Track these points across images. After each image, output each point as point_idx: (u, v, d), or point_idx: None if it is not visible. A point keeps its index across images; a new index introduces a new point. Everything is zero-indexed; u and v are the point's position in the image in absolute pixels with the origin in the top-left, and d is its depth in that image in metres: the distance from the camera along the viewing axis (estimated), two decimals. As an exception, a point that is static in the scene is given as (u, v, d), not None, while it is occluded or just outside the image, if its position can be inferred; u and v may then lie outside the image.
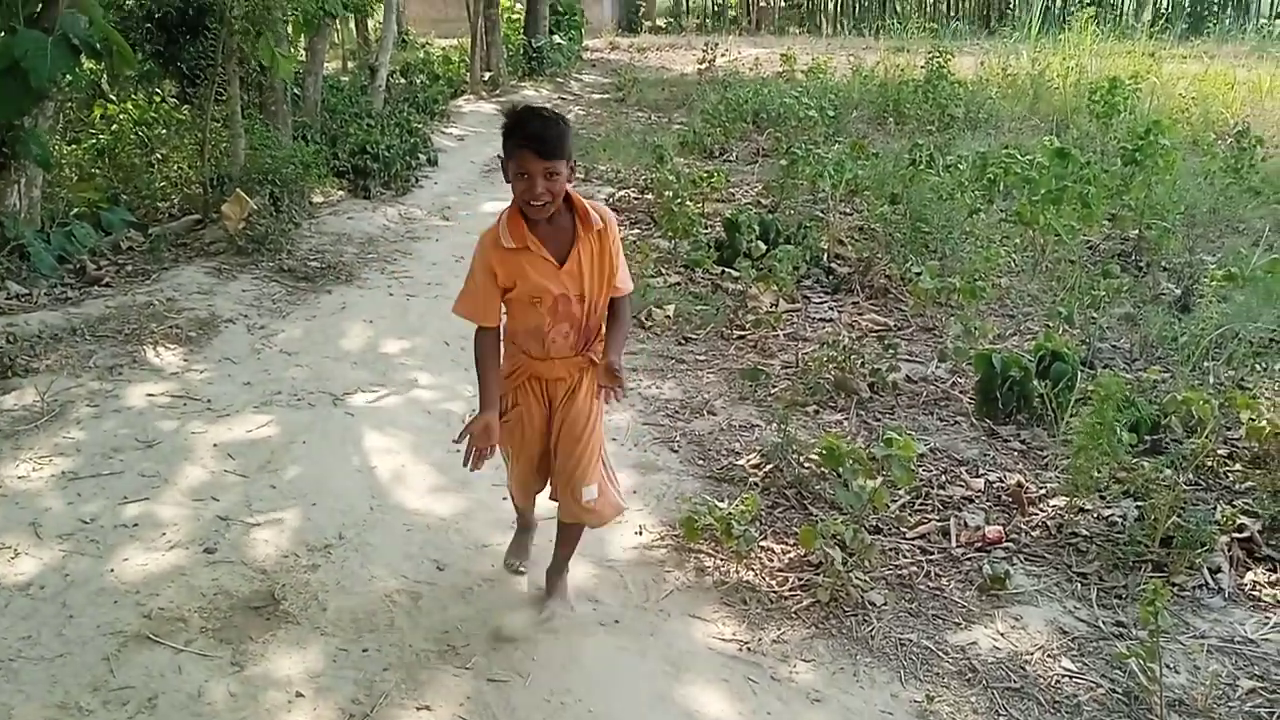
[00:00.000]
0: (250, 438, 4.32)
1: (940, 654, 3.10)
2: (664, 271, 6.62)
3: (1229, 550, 3.56)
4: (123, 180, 7.82)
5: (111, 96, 8.87)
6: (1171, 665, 3.02)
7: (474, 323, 2.87)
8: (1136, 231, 7.46)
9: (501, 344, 2.95)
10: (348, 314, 6.00)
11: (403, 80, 14.15)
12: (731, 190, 9.15)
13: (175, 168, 8.09)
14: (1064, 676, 3.01)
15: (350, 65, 16.25)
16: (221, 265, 6.56)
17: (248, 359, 5.21)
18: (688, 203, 7.49)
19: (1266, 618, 3.29)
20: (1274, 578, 3.48)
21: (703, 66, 17.15)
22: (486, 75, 16.52)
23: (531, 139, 2.63)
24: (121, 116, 8.38)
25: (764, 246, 6.57)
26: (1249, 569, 3.53)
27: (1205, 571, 3.48)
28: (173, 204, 7.79)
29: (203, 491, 3.87)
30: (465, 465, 2.82)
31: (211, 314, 5.72)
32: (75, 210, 6.86)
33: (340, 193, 8.71)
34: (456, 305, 2.90)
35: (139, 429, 4.35)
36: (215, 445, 4.23)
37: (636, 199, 8.98)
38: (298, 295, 6.28)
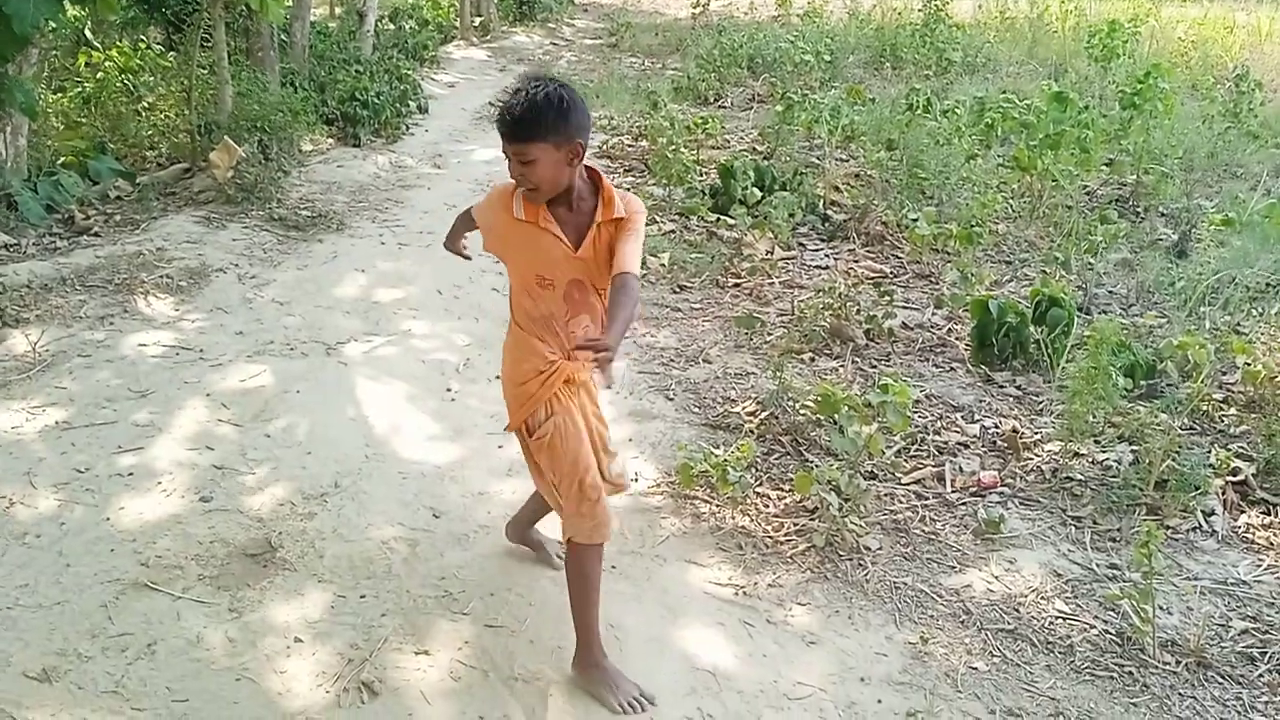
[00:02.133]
0: (244, 387, 4.30)
1: (935, 597, 3.12)
2: (658, 219, 6.57)
3: (1223, 493, 3.58)
4: (109, 129, 7.70)
5: (96, 44, 8.72)
6: (1164, 607, 3.04)
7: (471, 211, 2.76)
8: (1134, 176, 7.41)
9: (510, 350, 2.71)
10: (339, 263, 5.95)
11: (391, 26, 13.90)
12: (726, 137, 9.06)
13: (162, 115, 7.97)
14: (1057, 618, 3.03)
15: (338, 10, 15.93)
16: (211, 214, 6.49)
17: (239, 308, 5.17)
18: (682, 150, 7.42)
19: (1260, 560, 3.31)
20: (1268, 520, 3.50)
21: (697, 11, 16.87)
22: (477, 20, 16.27)
23: (503, 120, 2.39)
24: (106, 64, 8.23)
25: (759, 193, 6.51)
26: (1243, 512, 3.55)
27: (1199, 514, 3.50)
28: (160, 152, 7.68)
29: (197, 441, 3.86)
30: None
31: (202, 263, 5.67)
32: (62, 159, 6.76)
33: (329, 140, 8.60)
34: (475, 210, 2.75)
35: (132, 379, 4.32)
36: (209, 395, 4.21)
37: (630, 146, 8.89)
38: (289, 244, 6.22)
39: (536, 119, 2.35)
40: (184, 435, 3.89)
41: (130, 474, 3.61)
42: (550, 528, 3.15)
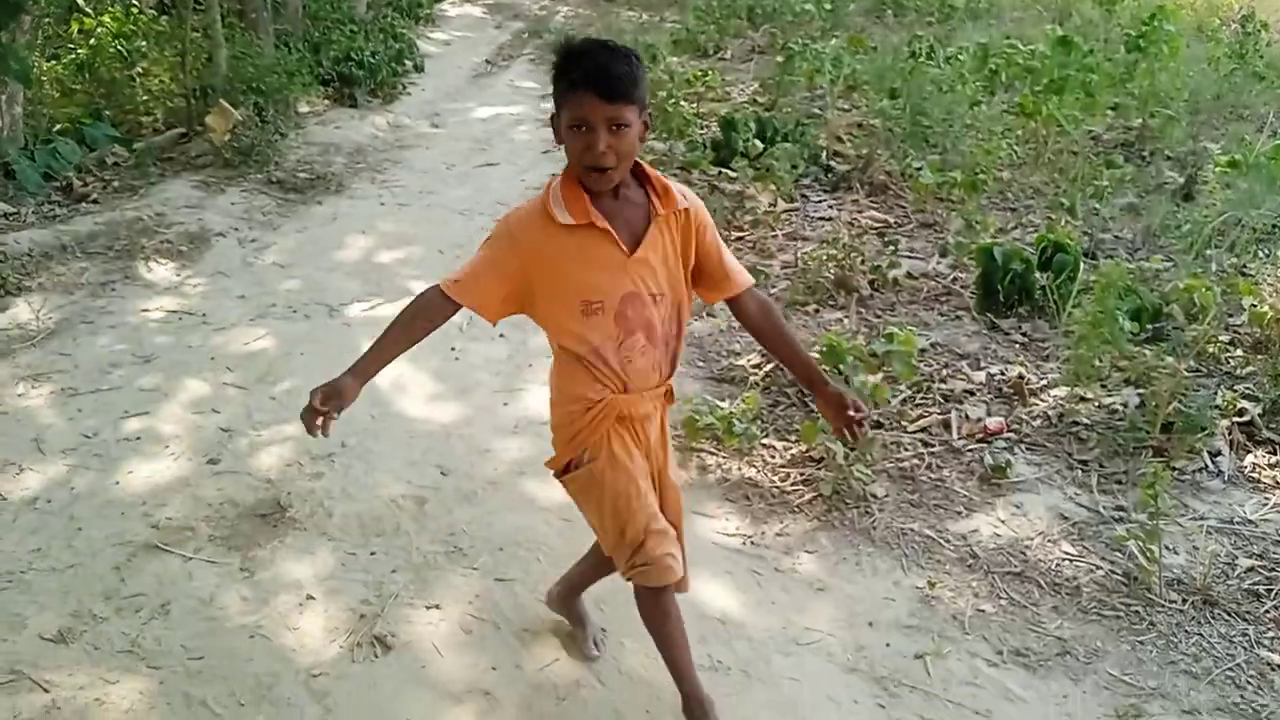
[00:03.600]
0: (248, 350, 4.30)
1: (941, 542, 3.13)
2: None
3: (1229, 434, 3.58)
4: (104, 95, 7.65)
5: (88, 9, 8.62)
6: (1171, 547, 3.06)
7: (452, 294, 2.10)
8: (1140, 120, 7.33)
9: (555, 375, 2.24)
10: (339, 225, 5.93)
11: (386, -16, 13.75)
12: (727, 89, 8.96)
13: (157, 80, 7.91)
14: (1064, 560, 3.04)
15: (331, -29, 15.77)
16: (209, 178, 6.46)
17: (241, 272, 5.16)
18: (682, 103, 7.36)
19: (1266, 499, 3.32)
20: (1274, 460, 3.50)
21: (694, -38, 16.64)
22: (472, -23, 16.06)
23: (593, 77, 1.92)
24: (99, 30, 8.15)
25: (761, 145, 6.46)
26: (1249, 452, 3.55)
27: (1205, 455, 3.50)
28: (156, 117, 7.63)
29: (203, 404, 3.87)
30: (311, 434, 2.08)
31: (202, 228, 5.65)
32: (58, 127, 6.73)
33: (326, 102, 8.53)
34: (446, 280, 2.13)
35: (135, 344, 4.33)
36: (213, 359, 4.22)
37: (630, 101, 8.79)
38: (288, 207, 6.19)
39: (635, 75, 1.96)
40: (190, 399, 3.90)
41: (138, 438, 3.62)
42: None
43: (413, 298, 2.16)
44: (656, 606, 2.27)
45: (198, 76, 7.43)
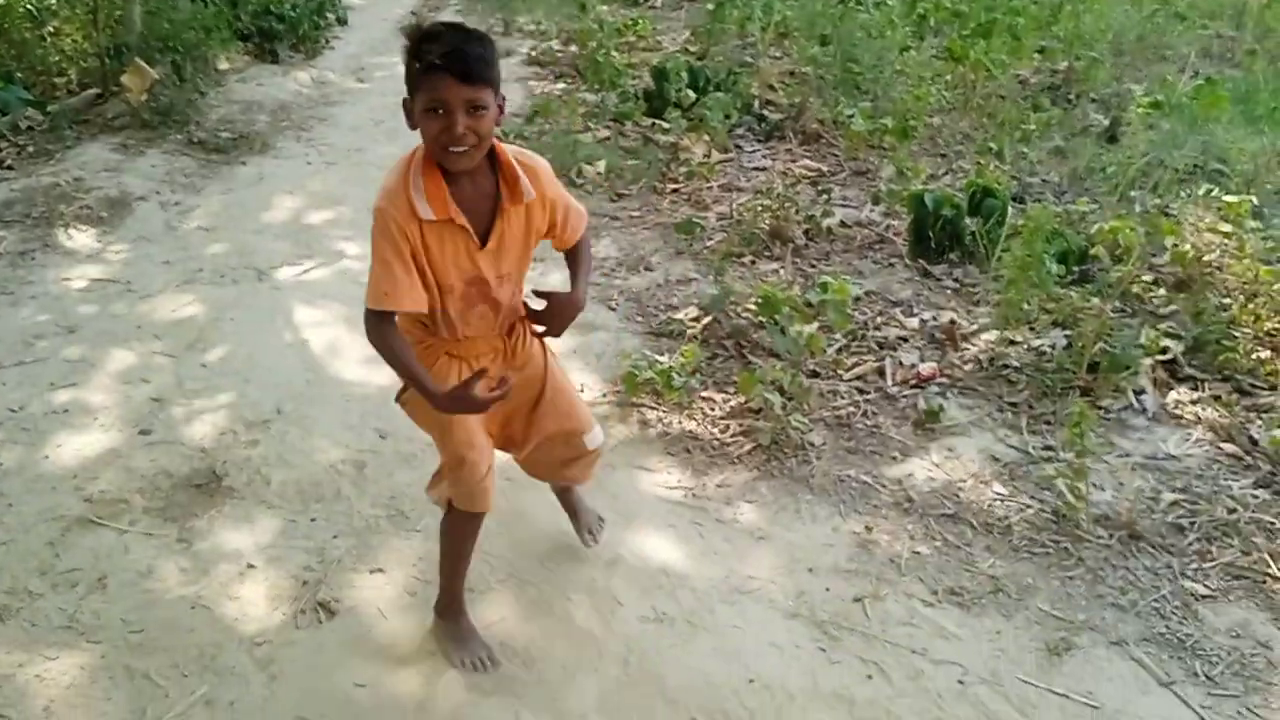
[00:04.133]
0: (175, 317, 4.21)
1: (878, 488, 3.19)
2: (592, 126, 6.45)
3: (1153, 372, 3.69)
4: (14, 57, 7.31)
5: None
6: (1097, 484, 3.16)
7: (390, 308, 2.07)
8: (1066, 63, 7.43)
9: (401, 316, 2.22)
10: (266, 185, 5.79)
11: (305, -66, 13.32)
12: (658, 39, 8.89)
13: (69, 40, 7.58)
14: (995, 500, 3.13)
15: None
16: (127, 140, 6.25)
17: (164, 237, 5.02)
18: (613, 53, 7.30)
19: (1188, 434, 3.43)
20: (1196, 396, 3.62)
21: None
22: (395, -74, 15.62)
23: (450, 60, 1.92)
24: (6, -14, 7.80)
25: (694, 95, 6.43)
26: (1172, 389, 3.67)
27: (1130, 394, 3.60)
28: (70, 79, 7.31)
29: (132, 374, 3.78)
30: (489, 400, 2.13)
31: (122, 192, 5.48)
32: (-34, 90, 6.45)
33: (246, 58, 8.28)
34: (372, 298, 2.07)
35: (59, 314, 4.20)
36: (139, 327, 4.12)
37: (560, 51, 8.68)
38: (211, 168, 6.03)
39: (489, 57, 1.98)
40: (118, 369, 3.81)
41: (66, 411, 3.54)
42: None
43: (368, 336, 2.14)
44: (467, 527, 2.46)
45: (111, 34, 7.16)
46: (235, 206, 5.44)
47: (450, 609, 2.56)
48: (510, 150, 2.15)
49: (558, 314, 2.30)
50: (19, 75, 6.93)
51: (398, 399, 2.38)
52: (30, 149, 6.09)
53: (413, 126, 2.04)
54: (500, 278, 2.18)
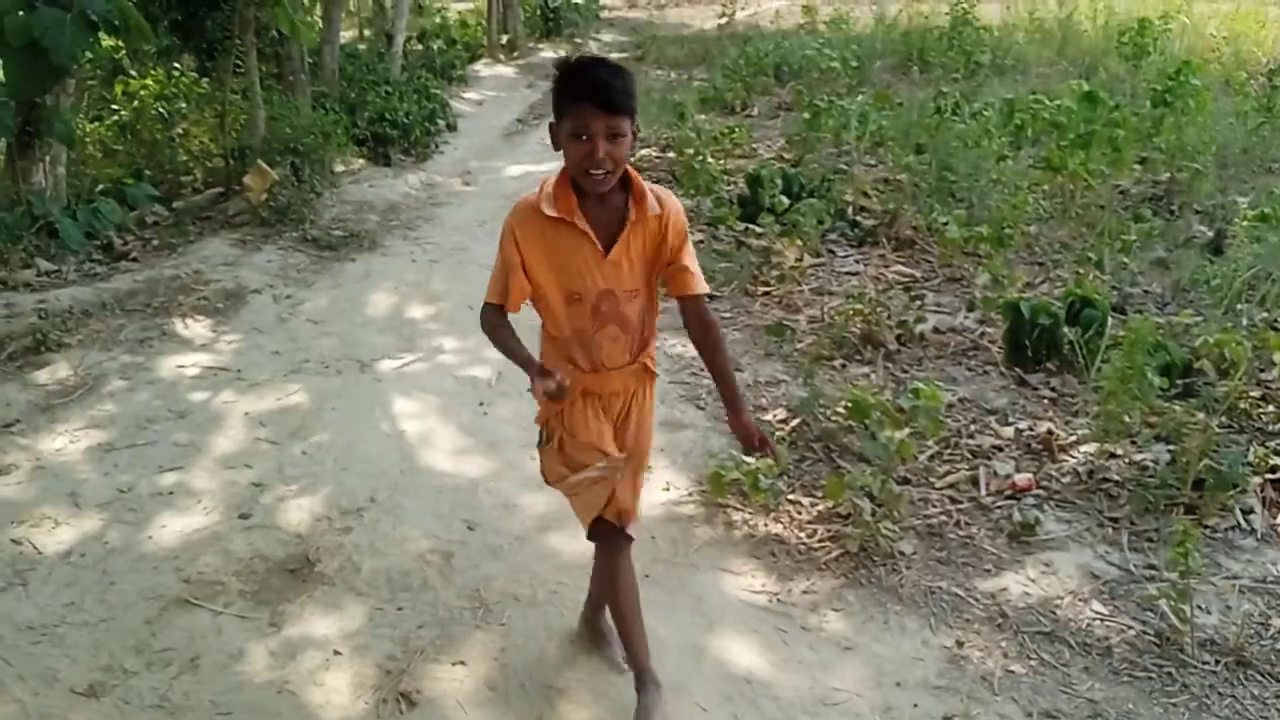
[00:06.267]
0: (280, 406, 4.37)
1: (970, 601, 3.10)
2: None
3: (1261, 491, 3.54)
4: (145, 155, 7.87)
5: (132, 72, 8.90)
6: (1203, 606, 3.01)
7: (497, 301, 2.35)
8: (1168, 174, 7.34)
9: (541, 355, 2.46)
10: (372, 281, 6.03)
11: (419, 46, 14.08)
12: (754, 146, 9.07)
13: (197, 141, 8.13)
14: (1095, 619, 3.00)
15: (366, 33, 16.14)
16: (246, 236, 6.60)
17: (275, 328, 5.25)
18: (709, 159, 7.45)
19: (1301, 558, 3.26)
20: (1309, 518, 3.45)
21: (723, 21, 16.91)
22: (504, 38, 16.42)
23: (593, 89, 2.15)
24: (142, 92, 8.41)
25: (787, 201, 6.51)
26: (1283, 509, 3.50)
27: (1237, 513, 3.45)
28: (195, 177, 7.83)
29: (235, 459, 3.92)
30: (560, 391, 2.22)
31: (238, 285, 5.77)
32: (100, 187, 6.92)
33: (361, 161, 8.72)
34: (487, 293, 2.37)
35: (171, 400, 4.40)
36: (246, 414, 4.28)
37: (658, 158, 8.93)
38: (322, 264, 6.31)
39: (627, 88, 2.19)
40: (222, 454, 3.96)
41: (171, 493, 3.68)
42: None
43: (481, 325, 2.40)
44: (613, 561, 2.57)
45: (236, 137, 7.63)
46: (343, 300, 5.67)
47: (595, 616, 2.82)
48: (648, 184, 2.37)
49: (745, 440, 2.51)
50: (148, 173, 7.42)
51: (539, 446, 2.52)
52: (155, 242, 6.47)
53: (556, 148, 2.27)
54: (628, 292, 2.34)
